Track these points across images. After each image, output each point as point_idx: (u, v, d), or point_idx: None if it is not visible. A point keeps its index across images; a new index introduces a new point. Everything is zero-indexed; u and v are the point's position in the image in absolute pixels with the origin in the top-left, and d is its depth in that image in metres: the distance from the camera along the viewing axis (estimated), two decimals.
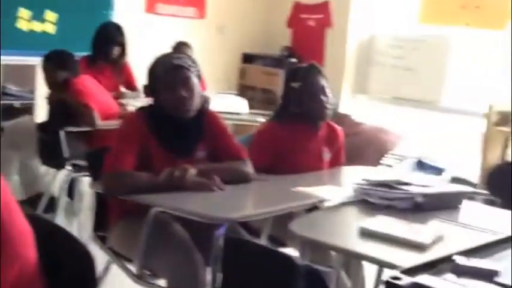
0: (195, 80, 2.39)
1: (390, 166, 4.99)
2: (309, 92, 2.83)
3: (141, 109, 2.45)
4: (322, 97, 2.84)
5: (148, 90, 2.43)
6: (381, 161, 5.14)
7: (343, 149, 3.09)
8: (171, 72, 2.35)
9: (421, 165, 4.51)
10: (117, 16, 5.42)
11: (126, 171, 2.24)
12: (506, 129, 4.20)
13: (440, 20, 5.32)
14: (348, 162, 4.40)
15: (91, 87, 3.98)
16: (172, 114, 2.36)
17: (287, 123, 2.86)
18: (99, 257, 2.21)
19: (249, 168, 2.48)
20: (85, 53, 4.59)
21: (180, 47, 5.31)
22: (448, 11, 5.22)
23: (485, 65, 5.49)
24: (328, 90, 2.87)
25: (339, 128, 3.05)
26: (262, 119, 4.61)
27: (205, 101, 2.64)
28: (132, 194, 2.19)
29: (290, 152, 2.83)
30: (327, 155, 2.96)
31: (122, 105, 4.30)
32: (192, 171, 2.28)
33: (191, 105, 2.37)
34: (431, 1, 5.39)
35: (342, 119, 5.54)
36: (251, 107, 5.59)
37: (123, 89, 4.96)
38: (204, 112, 2.48)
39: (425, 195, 2.21)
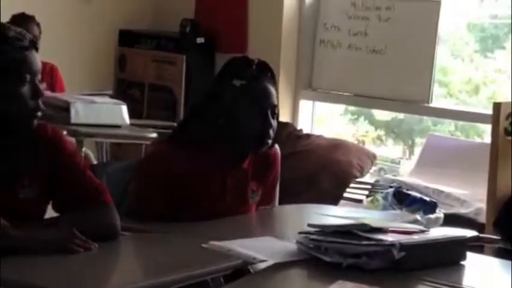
0: None
1: (360, 201, 5.07)
2: (256, 99, 2.85)
3: None
4: (271, 118, 2.87)
5: None
6: (345, 194, 5.21)
7: (277, 180, 3.13)
8: (23, 58, 2.35)
9: (401, 199, 4.60)
10: None
11: None
12: None
13: None
14: (293, 196, 4.47)
15: None
16: (16, 127, 2.35)
17: (197, 147, 2.85)
18: None
19: (112, 216, 2.47)
20: None
21: (21, 24, 5.25)
22: None
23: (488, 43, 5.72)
24: (276, 113, 2.91)
25: (274, 149, 3.08)
26: (152, 134, 4.61)
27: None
28: None
29: (200, 194, 2.84)
30: (255, 196, 2.99)
31: None
32: (3, 223, 2.22)
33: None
34: None
35: (280, 130, 5.60)
36: (136, 114, 5.59)
37: None
38: (30, 126, 2.42)
39: (406, 247, 2.25)
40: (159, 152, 2.95)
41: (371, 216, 2.97)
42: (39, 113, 2.38)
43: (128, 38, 6.50)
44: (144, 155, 3.04)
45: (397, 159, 6.20)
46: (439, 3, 5.39)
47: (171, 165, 2.82)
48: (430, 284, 2.20)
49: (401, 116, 6.18)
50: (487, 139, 4.68)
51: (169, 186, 2.80)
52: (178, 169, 2.81)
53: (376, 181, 5.28)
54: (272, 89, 2.90)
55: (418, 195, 4.61)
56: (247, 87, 2.84)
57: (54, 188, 2.47)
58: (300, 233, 2.41)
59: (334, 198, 5.04)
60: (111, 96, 5.62)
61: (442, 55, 5.73)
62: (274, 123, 2.89)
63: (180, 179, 2.80)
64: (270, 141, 2.90)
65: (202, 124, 2.88)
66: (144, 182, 2.85)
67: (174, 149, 2.87)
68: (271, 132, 2.88)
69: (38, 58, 2.41)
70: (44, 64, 5.56)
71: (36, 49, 2.41)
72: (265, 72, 2.91)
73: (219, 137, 2.87)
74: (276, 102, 2.91)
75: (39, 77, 2.41)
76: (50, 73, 5.63)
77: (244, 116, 2.84)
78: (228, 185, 2.89)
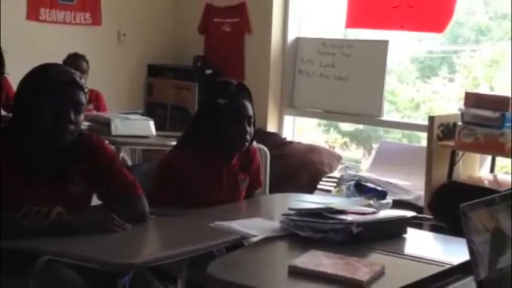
0: (85, 101, 2.39)
1: (329, 191, 5.07)
2: (236, 114, 2.84)
3: None
4: (247, 126, 2.86)
5: (17, 104, 2.35)
6: (318, 186, 5.21)
7: (260, 169, 3.13)
8: (60, 89, 2.31)
9: (360, 189, 4.60)
10: None
11: None
12: (451, 143, 4.35)
13: (370, 23, 5.46)
14: (279, 188, 4.47)
15: None
16: (46, 138, 2.32)
17: (198, 151, 2.85)
18: None
19: (143, 204, 2.47)
20: None
21: (74, 61, 5.24)
22: (378, 12, 5.35)
23: (426, 72, 5.74)
24: (252, 121, 2.90)
25: (252, 146, 3.08)
26: (173, 142, 4.60)
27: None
28: None
29: (203, 186, 2.84)
30: (244, 183, 2.98)
31: None
32: (59, 210, 2.23)
33: (75, 131, 2.36)
34: (359, 1, 5.49)
35: (269, 138, 5.61)
36: (162, 127, 5.59)
37: (3, 112, 4.85)
38: (79, 134, 2.42)
39: (362, 224, 2.27)
40: (171, 157, 2.94)
41: (337, 202, 2.96)
42: (67, 134, 2.32)
43: (154, 71, 6.49)
44: (161, 159, 3.00)
45: (358, 160, 6.20)
46: (387, 42, 5.39)
47: (180, 166, 2.83)
48: (379, 252, 2.21)
49: (361, 127, 6.17)
50: (424, 143, 4.69)
51: (180, 181, 2.80)
52: (186, 168, 2.82)
53: (342, 176, 5.26)
54: (247, 104, 2.88)
55: (372, 186, 4.61)
56: (228, 105, 2.84)
57: (98, 183, 2.45)
58: (283, 214, 2.41)
59: (309, 189, 5.04)
60: (142, 114, 5.60)
61: (391, 81, 5.74)
62: (249, 129, 2.87)
63: (187, 175, 2.81)
64: (247, 143, 2.89)
65: (199, 133, 2.89)
66: (162, 180, 2.85)
67: (181, 154, 2.89)
68: (247, 136, 2.87)
69: (77, 92, 2.34)
70: (91, 91, 5.57)
71: (78, 86, 2.35)
72: (242, 91, 2.90)
73: (211, 142, 2.87)
74: (251, 113, 2.88)
75: (84, 106, 2.36)
76: (95, 97, 5.62)
77: (226, 127, 2.83)
78: (223, 177, 2.89)
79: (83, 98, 2.37)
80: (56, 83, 2.31)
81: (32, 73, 2.38)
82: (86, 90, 2.38)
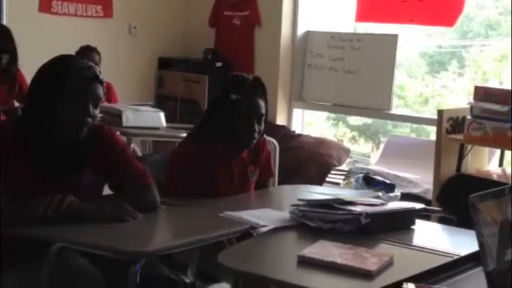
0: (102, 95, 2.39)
1: (338, 184, 5.07)
2: (246, 111, 2.81)
3: (9, 118, 2.40)
4: (256, 125, 2.83)
5: (34, 95, 2.33)
6: (326, 179, 5.21)
7: (271, 159, 3.13)
8: (83, 84, 2.30)
9: (368, 182, 4.60)
10: (8, 18, 5.32)
11: None
12: (460, 137, 4.35)
13: (380, 17, 5.45)
14: (288, 180, 4.48)
15: None
16: (64, 132, 2.32)
17: (208, 144, 2.84)
18: None
19: (154, 194, 2.47)
20: None
21: (86, 53, 5.25)
22: (388, 5, 5.33)
23: (435, 66, 5.73)
24: (263, 119, 2.87)
25: (261, 138, 3.07)
26: (183, 134, 4.62)
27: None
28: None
29: (213, 179, 2.83)
30: (253, 175, 2.98)
31: None
32: (72, 198, 2.24)
33: (92, 124, 2.36)
34: None
35: (278, 131, 5.62)
36: (172, 119, 5.60)
37: (16, 104, 4.88)
38: (78, 133, 2.36)
39: (370, 216, 2.27)
40: (183, 151, 2.91)
41: (346, 194, 2.97)
42: (84, 128, 2.32)
43: (164, 63, 6.49)
44: (172, 151, 3.00)
45: (367, 154, 6.21)
46: (396, 36, 5.37)
47: (191, 158, 2.82)
48: (388, 242, 2.21)
49: (369, 121, 6.17)
50: (433, 137, 4.68)
51: (191, 174, 2.79)
52: (196, 161, 2.81)
53: (350, 169, 5.26)
54: (260, 102, 2.83)
55: (381, 178, 4.61)
56: (240, 101, 2.80)
57: (109, 173, 2.45)
58: (292, 205, 2.42)
59: (318, 181, 5.02)
60: (152, 106, 5.63)
61: (400, 75, 5.73)
62: (258, 128, 2.83)
63: (199, 168, 2.80)
64: (254, 141, 2.86)
65: (210, 126, 2.87)
66: (173, 172, 2.84)
67: (192, 146, 2.87)
68: (255, 135, 2.84)
69: (98, 87, 2.32)
70: None
71: (99, 81, 2.34)
72: (256, 87, 2.85)
73: (222, 136, 2.85)
74: (263, 112, 2.84)
75: (101, 100, 2.36)
76: (107, 89, 5.61)
77: (236, 123, 2.80)
78: (233, 170, 2.89)
79: (102, 92, 2.37)
80: (79, 78, 2.29)
81: (50, 66, 2.35)
82: (103, 83, 2.38)
